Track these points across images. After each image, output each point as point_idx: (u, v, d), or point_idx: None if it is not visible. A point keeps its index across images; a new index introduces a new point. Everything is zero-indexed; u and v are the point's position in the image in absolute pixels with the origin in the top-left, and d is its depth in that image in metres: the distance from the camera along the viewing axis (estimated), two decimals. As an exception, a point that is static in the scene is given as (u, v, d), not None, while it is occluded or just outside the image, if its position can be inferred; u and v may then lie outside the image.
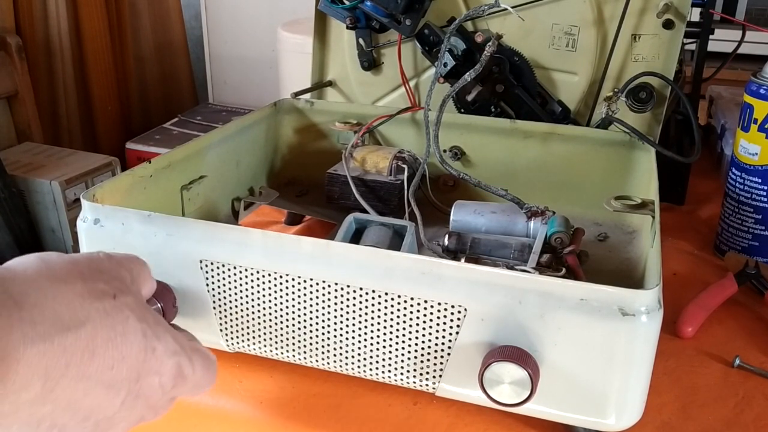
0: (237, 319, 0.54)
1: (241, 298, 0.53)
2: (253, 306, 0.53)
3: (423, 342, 0.49)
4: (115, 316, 0.33)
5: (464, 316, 0.47)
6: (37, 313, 0.30)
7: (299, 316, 0.52)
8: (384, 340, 0.50)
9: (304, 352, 0.53)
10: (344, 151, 0.78)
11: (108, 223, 0.55)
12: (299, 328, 0.52)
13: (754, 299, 0.71)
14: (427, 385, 0.50)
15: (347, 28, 0.85)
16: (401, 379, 0.51)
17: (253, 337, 0.54)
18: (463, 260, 0.60)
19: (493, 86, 0.82)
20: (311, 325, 0.51)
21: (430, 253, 0.65)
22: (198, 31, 2.22)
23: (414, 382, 0.51)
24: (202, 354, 0.39)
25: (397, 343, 0.49)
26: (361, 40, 0.87)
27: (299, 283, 0.50)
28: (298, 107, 0.86)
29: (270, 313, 0.52)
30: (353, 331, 0.50)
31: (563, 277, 0.52)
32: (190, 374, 0.38)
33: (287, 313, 0.52)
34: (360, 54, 0.89)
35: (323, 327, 0.51)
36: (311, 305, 0.51)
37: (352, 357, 0.51)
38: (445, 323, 0.48)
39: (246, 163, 0.79)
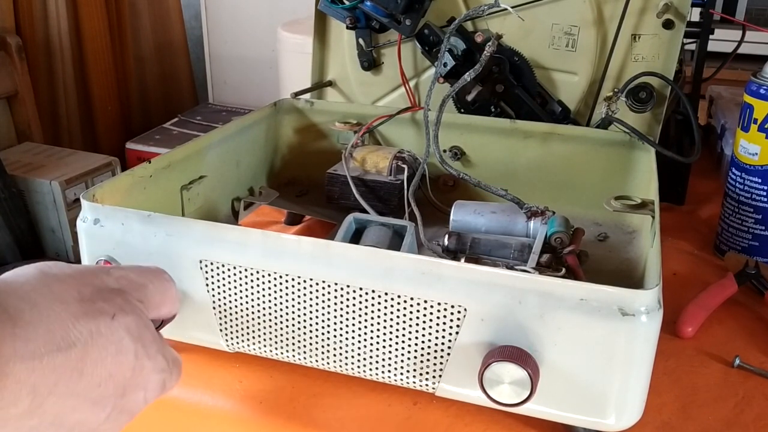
0: (237, 319, 0.54)
1: (241, 298, 0.53)
2: (253, 306, 0.53)
3: (423, 342, 0.49)
4: (108, 336, 0.34)
5: (464, 316, 0.47)
6: (30, 331, 0.31)
7: (299, 316, 0.52)
8: (384, 340, 0.50)
9: (304, 352, 0.53)
10: (344, 151, 0.78)
11: (108, 223, 0.55)
12: (299, 328, 0.52)
13: (754, 299, 0.71)
14: (427, 385, 0.50)
15: (347, 28, 0.85)
16: (401, 379, 0.51)
17: (253, 337, 0.54)
18: (463, 260, 0.60)
19: (493, 86, 0.82)
20: (311, 325, 0.51)
21: (430, 253, 0.65)
22: (198, 31, 2.22)
23: (414, 382, 0.51)
24: (179, 364, 0.40)
25: (397, 343, 0.49)
26: (361, 40, 0.87)
27: (299, 283, 0.50)
28: (298, 107, 0.86)
29: (270, 313, 0.52)
30: (353, 331, 0.50)
31: (563, 277, 0.52)
32: (169, 384, 0.39)
33: (287, 313, 0.52)
34: (360, 54, 0.89)
35: (323, 327, 0.51)
36: (311, 305, 0.51)
37: (352, 357, 0.51)
38: (445, 323, 0.48)
39: (246, 163, 0.79)
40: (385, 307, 0.49)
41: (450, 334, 0.48)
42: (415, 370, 0.50)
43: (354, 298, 0.49)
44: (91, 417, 0.33)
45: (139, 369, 0.36)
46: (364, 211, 0.72)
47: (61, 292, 0.33)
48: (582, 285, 0.45)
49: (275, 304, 0.52)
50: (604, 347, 0.45)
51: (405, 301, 0.48)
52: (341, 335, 0.51)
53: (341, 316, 0.50)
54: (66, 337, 0.32)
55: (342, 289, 0.49)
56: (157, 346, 0.37)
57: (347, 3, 0.82)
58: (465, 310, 0.47)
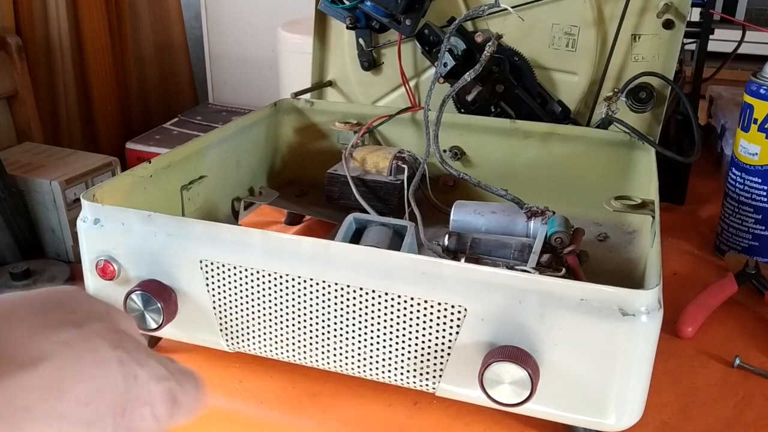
0: (237, 319, 0.54)
1: (241, 298, 0.53)
2: (253, 306, 0.53)
3: (423, 342, 0.49)
4: (82, 346, 0.30)
5: (464, 316, 0.47)
6: None
7: (299, 316, 0.52)
8: (384, 340, 0.50)
9: (304, 352, 0.53)
10: (344, 151, 0.78)
11: (108, 223, 0.55)
12: (299, 328, 0.52)
13: (754, 299, 0.71)
14: (427, 385, 0.50)
15: (347, 28, 0.85)
16: (401, 379, 0.51)
17: (253, 337, 0.54)
18: (463, 260, 0.60)
19: (493, 86, 0.82)
20: (311, 325, 0.51)
21: (430, 253, 0.65)
22: (198, 31, 2.22)
23: (414, 382, 0.51)
24: (190, 375, 0.36)
25: (397, 343, 0.49)
26: (361, 40, 0.87)
27: (299, 283, 0.50)
28: (298, 107, 0.86)
29: (270, 313, 0.52)
30: (353, 331, 0.50)
31: (563, 277, 0.52)
32: (182, 399, 0.34)
33: (287, 313, 0.52)
34: (360, 54, 0.89)
35: (323, 327, 0.51)
36: (311, 305, 0.51)
37: (352, 357, 0.51)
38: (445, 323, 0.48)
39: (246, 163, 0.79)
40: (385, 307, 0.49)
41: (450, 334, 0.48)
42: (415, 370, 0.50)
43: (354, 298, 0.49)
44: None
45: (132, 379, 0.32)
46: (364, 211, 0.72)
47: (11, 310, 0.30)
48: (582, 285, 0.45)
49: (275, 304, 0.52)
50: (604, 347, 0.45)
51: (405, 301, 0.48)
52: (341, 335, 0.51)
53: (341, 316, 0.50)
54: (28, 353, 0.29)
55: (342, 289, 0.49)
56: (146, 352, 0.34)
57: (347, 3, 0.82)
58: (465, 310, 0.47)
